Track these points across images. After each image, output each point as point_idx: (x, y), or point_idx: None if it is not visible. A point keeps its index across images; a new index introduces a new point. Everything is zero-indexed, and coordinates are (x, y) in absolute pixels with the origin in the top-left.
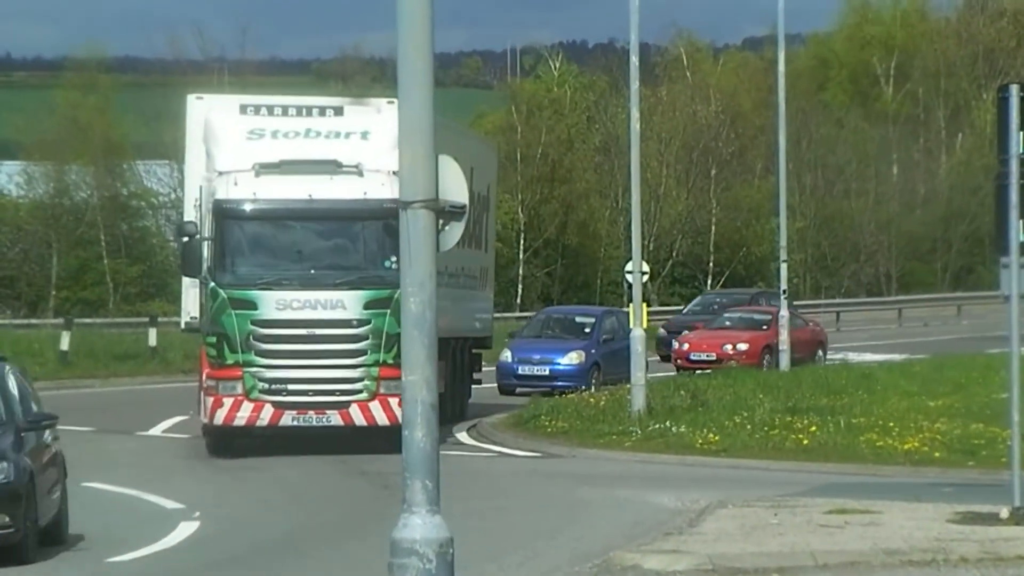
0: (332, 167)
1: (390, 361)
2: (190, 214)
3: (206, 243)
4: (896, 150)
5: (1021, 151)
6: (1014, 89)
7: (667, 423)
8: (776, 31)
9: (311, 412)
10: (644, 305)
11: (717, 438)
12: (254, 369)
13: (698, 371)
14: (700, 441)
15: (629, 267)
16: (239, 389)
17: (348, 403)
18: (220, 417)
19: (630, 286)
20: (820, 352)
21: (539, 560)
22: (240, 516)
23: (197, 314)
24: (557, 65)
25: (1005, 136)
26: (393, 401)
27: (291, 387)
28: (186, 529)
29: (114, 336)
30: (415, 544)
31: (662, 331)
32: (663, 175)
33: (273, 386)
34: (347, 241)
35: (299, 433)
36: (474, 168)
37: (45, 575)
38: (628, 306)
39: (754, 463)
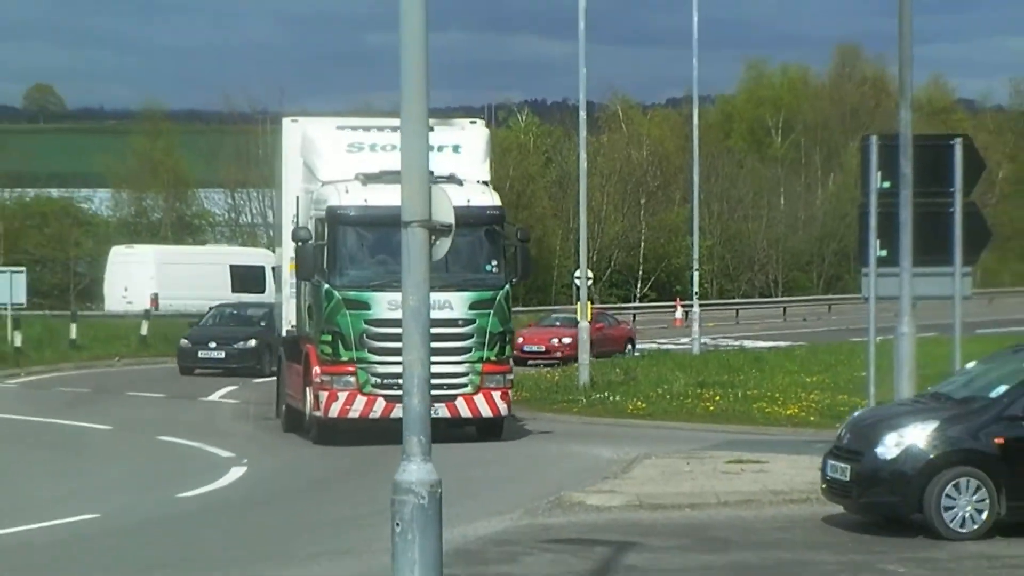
0: (431, 178)
1: (492, 357)
2: (287, 223)
3: (318, 249)
4: (783, 185)
5: (878, 187)
6: (873, 139)
7: (606, 394)
8: (692, 93)
9: None
10: (589, 303)
11: (644, 405)
12: (367, 365)
13: (530, 361)
14: (631, 407)
15: (577, 274)
16: (353, 384)
17: (455, 396)
18: (335, 410)
19: (578, 288)
20: (630, 346)
21: (507, 497)
22: (279, 464)
23: (295, 323)
24: (523, 118)
25: (866, 176)
26: (496, 394)
27: (402, 382)
28: (236, 472)
29: (181, 324)
30: (412, 485)
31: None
32: (604, 203)
33: (385, 381)
34: (453, 246)
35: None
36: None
37: (127, 508)
38: (576, 304)
39: (672, 424)
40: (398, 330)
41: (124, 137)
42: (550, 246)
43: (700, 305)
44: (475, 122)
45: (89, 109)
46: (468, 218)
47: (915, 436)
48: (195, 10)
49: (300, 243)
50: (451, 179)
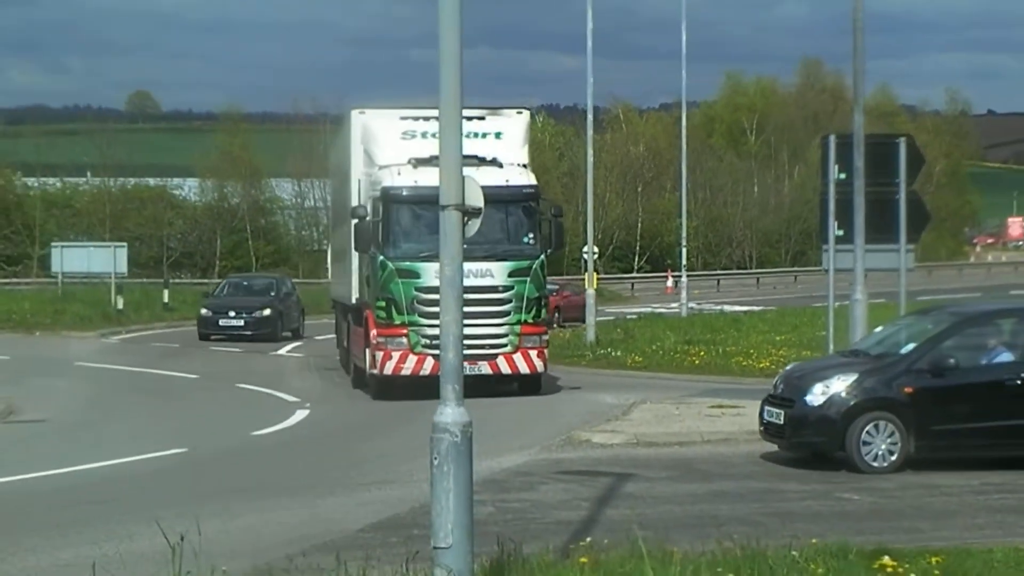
0: (475, 161)
1: (529, 320)
2: (355, 202)
3: (374, 224)
4: (756, 176)
5: (836, 177)
6: (832, 138)
7: (608, 349)
8: (680, 99)
9: (466, 363)
10: (595, 273)
11: (641, 359)
12: (418, 327)
13: None
14: (630, 361)
15: (585, 249)
16: (405, 344)
17: (496, 355)
18: (389, 368)
19: (586, 261)
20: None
21: (526, 436)
22: (337, 409)
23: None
24: (540, 120)
25: (826, 168)
26: (532, 353)
27: None
28: (301, 415)
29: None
30: (447, 425)
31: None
32: (607, 191)
33: (434, 341)
34: (493, 221)
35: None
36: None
37: (210, 444)
38: (584, 274)
39: (664, 375)
40: None
41: (209, 135)
42: (563, 225)
43: (687, 276)
44: (521, 112)
45: (180, 111)
46: (506, 196)
47: (838, 386)
48: (267, 27)
49: (358, 220)
50: (492, 162)
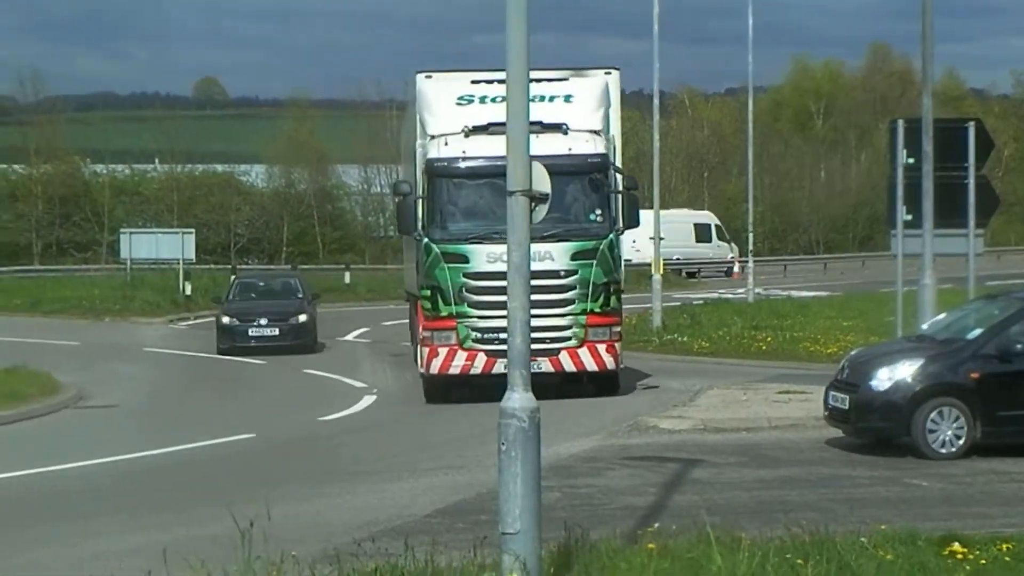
0: (537, 127)
1: (596, 309)
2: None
3: (420, 201)
4: (823, 161)
5: (904, 162)
6: (900, 123)
7: (675, 335)
8: (747, 84)
9: None
10: (661, 259)
11: (708, 345)
12: (467, 320)
13: None
14: (696, 347)
15: (651, 234)
16: (453, 339)
17: (558, 350)
18: (436, 366)
19: (653, 248)
20: None
21: (593, 422)
22: (403, 394)
23: None
24: None
25: (894, 153)
26: (601, 347)
27: (503, 336)
28: (368, 400)
29: (322, 275)
30: (515, 410)
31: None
32: (673, 176)
33: (486, 335)
34: (553, 195)
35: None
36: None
37: (278, 429)
38: (651, 260)
39: (731, 361)
40: (497, 283)
41: (275, 121)
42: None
43: (754, 261)
44: (610, 72)
45: (247, 98)
46: (567, 167)
47: (904, 371)
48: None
49: (401, 197)
50: (556, 128)
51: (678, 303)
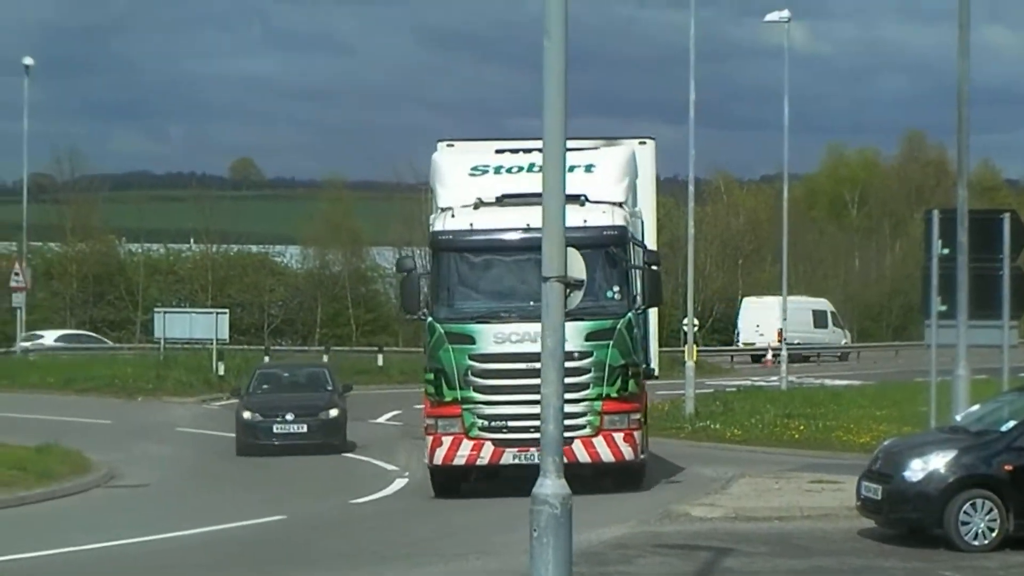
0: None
1: (614, 394)
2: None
3: (424, 278)
4: (857, 249)
5: (939, 252)
6: (935, 213)
7: (707, 422)
8: (782, 171)
9: (533, 449)
10: (695, 346)
11: (740, 432)
12: (473, 405)
13: None
14: (729, 434)
15: (685, 321)
16: (458, 427)
17: (571, 439)
18: (439, 456)
19: (686, 333)
20: None
21: (624, 509)
22: None
23: None
24: None
25: (929, 243)
26: (618, 436)
27: (512, 424)
28: (400, 483)
29: (355, 357)
30: (547, 497)
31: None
32: (707, 262)
33: (493, 423)
34: None
35: (522, 474)
36: None
37: (309, 511)
38: (684, 347)
39: (764, 449)
40: (506, 365)
41: (311, 202)
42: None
43: (787, 349)
44: (645, 142)
45: (282, 179)
46: (582, 240)
47: (937, 462)
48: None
49: (405, 273)
50: (574, 199)
51: (711, 390)
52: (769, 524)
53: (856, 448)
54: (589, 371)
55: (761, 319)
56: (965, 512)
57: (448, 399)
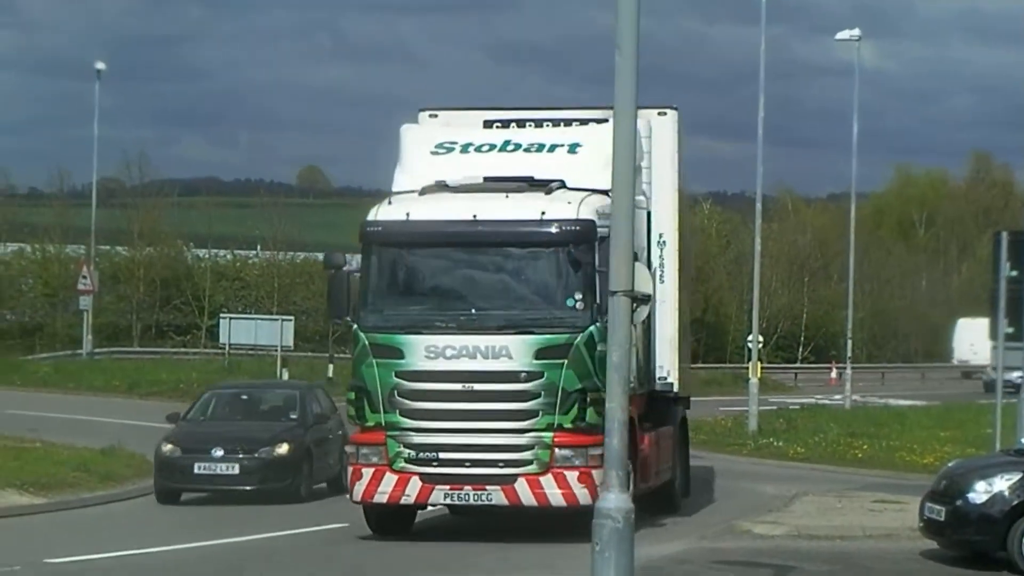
0: (511, 185)
1: (567, 425)
2: None
3: (350, 277)
4: (924, 270)
5: (1007, 274)
6: (1004, 234)
7: (771, 439)
8: (850, 190)
9: (468, 487)
10: (759, 363)
11: (803, 450)
12: (399, 432)
13: None
14: (792, 452)
15: (750, 338)
16: (381, 457)
17: (514, 477)
18: (358, 492)
19: (750, 350)
20: None
21: (686, 524)
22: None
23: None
24: (707, 207)
25: (997, 264)
26: (571, 476)
27: (443, 455)
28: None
29: None
30: (610, 511)
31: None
32: (773, 280)
33: (421, 454)
34: (518, 274)
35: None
36: None
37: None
38: (748, 364)
39: (826, 467)
40: (437, 386)
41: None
42: (727, 313)
43: (852, 367)
44: (664, 112)
45: (350, 187)
46: (536, 237)
47: (1001, 485)
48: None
49: (332, 271)
50: (536, 185)
51: (775, 407)
52: (831, 543)
53: (919, 469)
54: (538, 395)
55: (976, 339)
56: None
57: (371, 423)
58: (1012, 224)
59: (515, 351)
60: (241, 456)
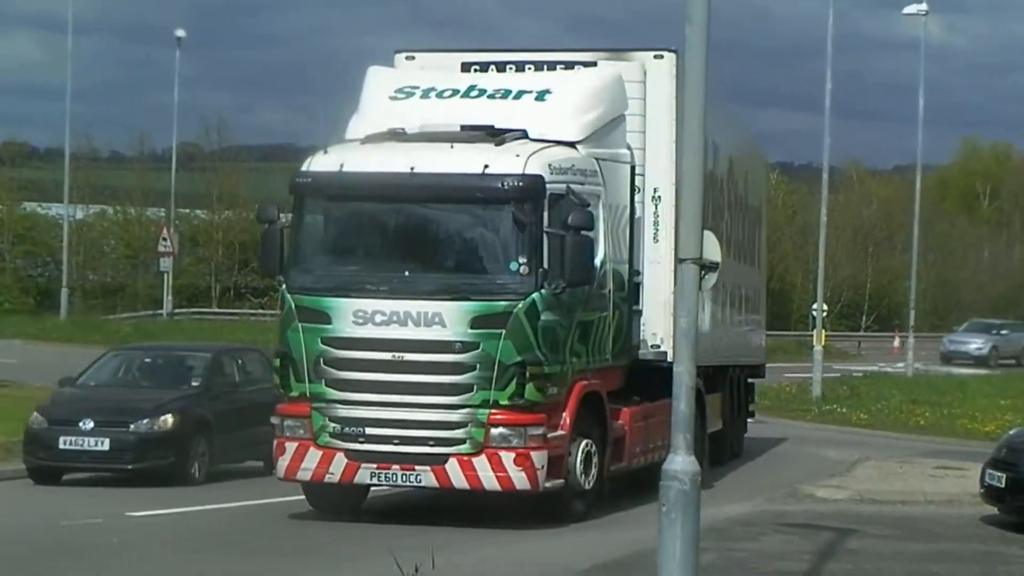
0: (464, 135)
1: (504, 401)
2: None
3: (281, 232)
4: (987, 242)
5: None
6: None
7: (834, 406)
8: (916, 162)
9: (396, 467)
10: (823, 331)
11: (865, 416)
12: (324, 404)
13: None
14: (854, 418)
15: (814, 306)
16: (305, 431)
17: (445, 457)
18: (281, 468)
19: (815, 318)
20: None
21: (750, 487)
22: None
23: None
24: (774, 177)
25: None
26: (507, 457)
27: (370, 431)
28: None
29: None
30: (677, 473)
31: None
32: (838, 250)
33: (347, 429)
34: (457, 233)
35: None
36: (748, 173)
37: None
38: (812, 331)
39: (889, 434)
40: (365, 354)
41: None
42: (792, 282)
43: (914, 336)
44: (661, 56)
45: None
46: (475, 193)
47: None
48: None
49: (265, 225)
50: (495, 134)
51: (838, 375)
52: (892, 507)
53: (980, 436)
54: (473, 368)
55: None
56: None
57: (295, 393)
58: None
59: (449, 319)
60: (113, 430)
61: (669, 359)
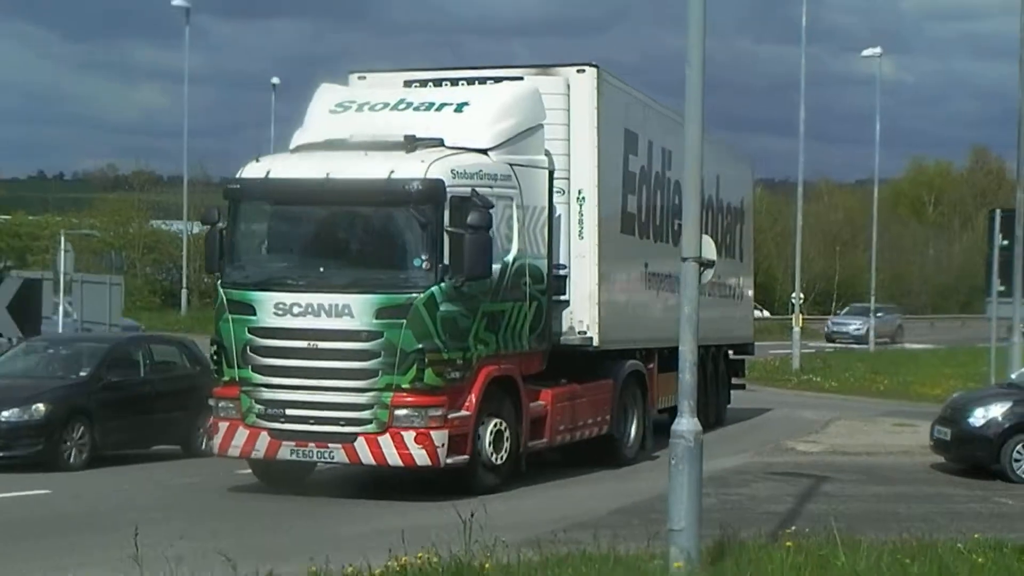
0: (393, 143)
1: (405, 385)
2: None
3: (220, 234)
4: (932, 241)
5: (1000, 244)
6: (997, 212)
7: (810, 376)
8: (873, 176)
9: (312, 445)
10: (801, 315)
11: (836, 384)
12: (251, 388)
13: None
14: (827, 386)
15: (793, 295)
16: (235, 412)
17: (354, 436)
18: (215, 445)
19: (794, 305)
20: None
21: (743, 443)
22: None
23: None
24: (758, 191)
25: (991, 236)
26: (408, 436)
27: (290, 412)
28: None
29: None
30: (683, 432)
31: None
32: (811, 249)
33: (270, 410)
34: (366, 233)
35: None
36: (720, 176)
37: None
38: (792, 315)
39: (855, 398)
40: (284, 343)
41: None
42: (774, 275)
43: (875, 319)
44: (583, 70)
45: None
46: (380, 196)
47: (996, 411)
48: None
49: (208, 227)
50: (407, 143)
51: (813, 350)
52: (859, 458)
53: (930, 399)
54: (378, 355)
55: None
56: (1017, 451)
57: (227, 378)
58: (1004, 204)
59: (356, 310)
60: None
61: (594, 344)
